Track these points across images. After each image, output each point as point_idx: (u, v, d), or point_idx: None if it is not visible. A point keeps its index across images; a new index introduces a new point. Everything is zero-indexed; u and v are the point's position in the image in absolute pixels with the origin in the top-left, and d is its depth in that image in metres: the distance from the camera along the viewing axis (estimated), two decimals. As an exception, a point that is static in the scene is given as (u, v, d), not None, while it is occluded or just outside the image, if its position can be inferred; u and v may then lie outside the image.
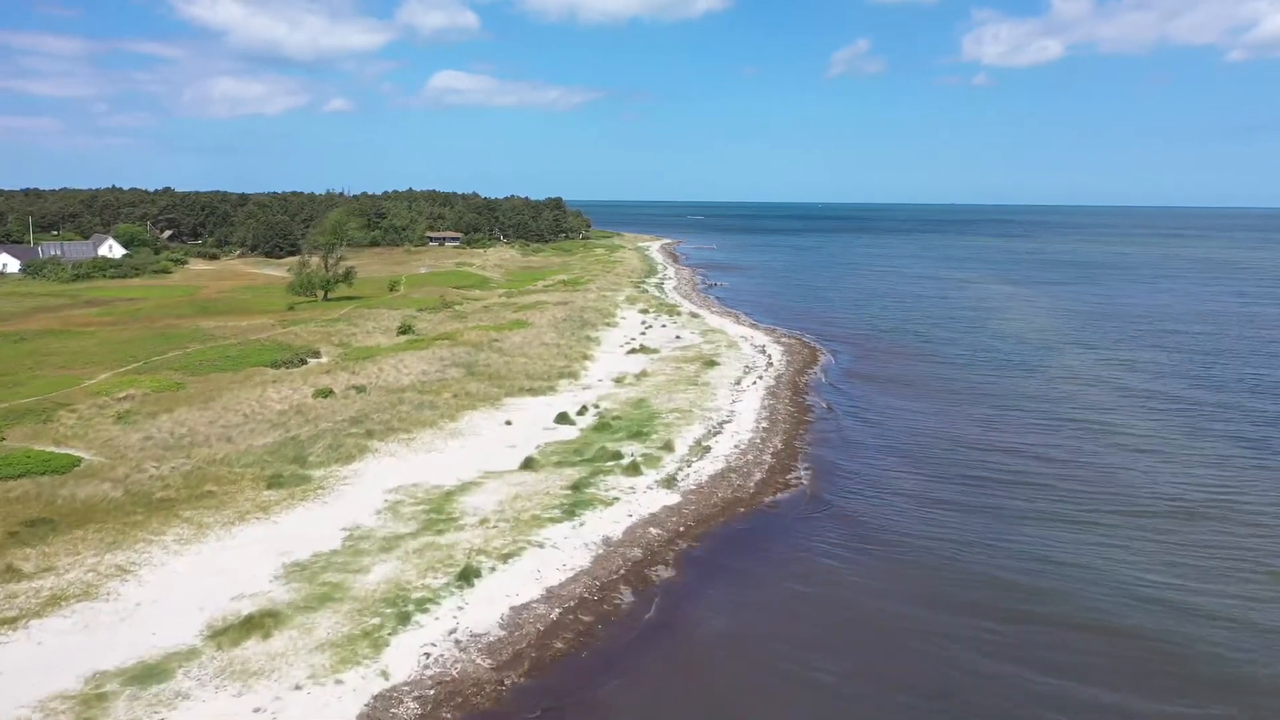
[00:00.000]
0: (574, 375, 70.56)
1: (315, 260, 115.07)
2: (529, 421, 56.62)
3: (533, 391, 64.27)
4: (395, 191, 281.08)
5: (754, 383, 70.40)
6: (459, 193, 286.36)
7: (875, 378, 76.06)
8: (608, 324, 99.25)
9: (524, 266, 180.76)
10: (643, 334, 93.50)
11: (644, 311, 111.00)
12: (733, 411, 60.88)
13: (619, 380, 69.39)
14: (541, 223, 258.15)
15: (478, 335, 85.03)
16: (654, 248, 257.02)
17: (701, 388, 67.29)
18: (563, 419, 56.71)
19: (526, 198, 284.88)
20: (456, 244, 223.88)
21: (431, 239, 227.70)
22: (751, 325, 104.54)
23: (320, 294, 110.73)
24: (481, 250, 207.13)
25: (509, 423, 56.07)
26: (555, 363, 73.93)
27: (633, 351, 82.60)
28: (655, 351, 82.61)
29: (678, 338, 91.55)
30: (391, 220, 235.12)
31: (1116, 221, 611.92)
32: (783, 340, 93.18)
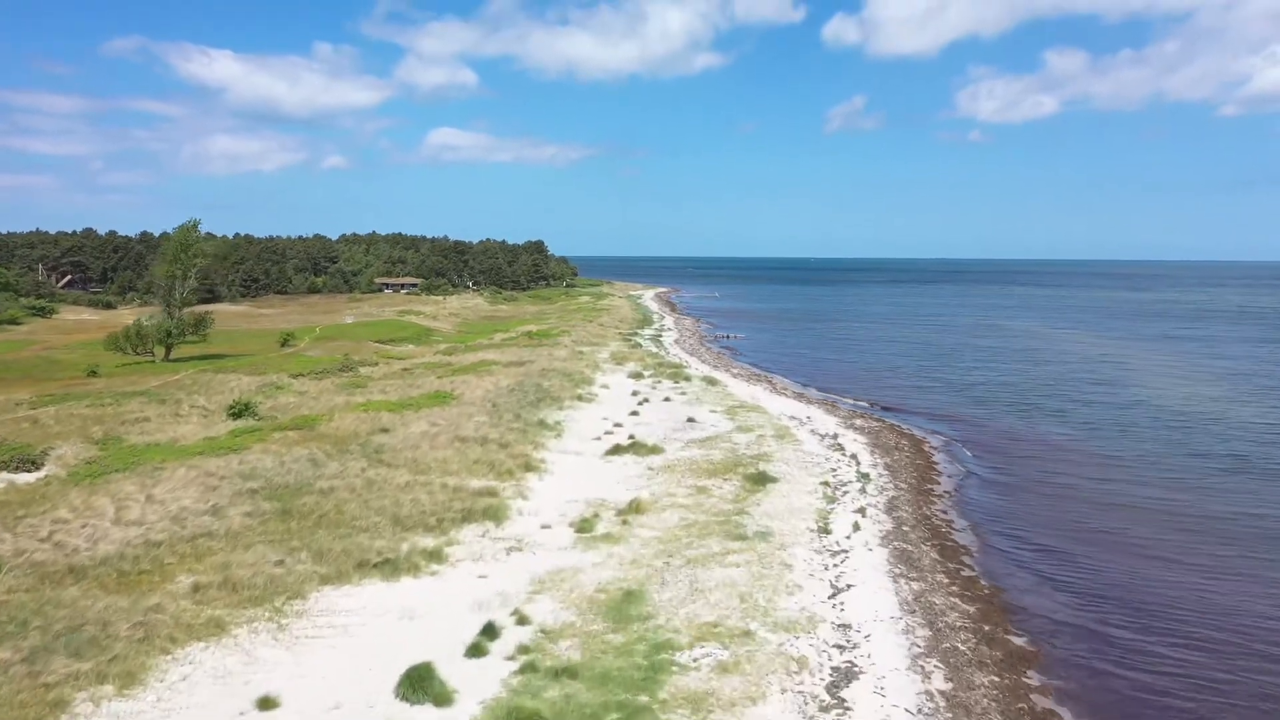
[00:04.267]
0: (496, 515, 35.23)
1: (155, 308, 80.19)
2: (328, 691, 21.21)
3: (390, 569, 28.92)
4: (355, 235, 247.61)
5: (855, 528, 35.45)
6: (427, 236, 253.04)
7: (1070, 513, 41.13)
8: (580, 396, 64.26)
9: (488, 316, 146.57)
10: (634, 414, 58.53)
11: (636, 376, 76.12)
12: (845, 625, 25.90)
13: (584, 528, 34.18)
14: (518, 268, 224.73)
15: (355, 421, 50.14)
16: (647, 296, 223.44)
17: (754, 544, 32.22)
18: (422, 681, 21.37)
19: (503, 241, 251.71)
20: (414, 290, 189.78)
21: (386, 285, 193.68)
22: (798, 396, 69.89)
23: (161, 351, 75.59)
24: (440, 298, 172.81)
25: (268, 702, 20.65)
26: (467, 482, 38.80)
27: (616, 450, 47.52)
28: (656, 451, 47.52)
29: (691, 421, 56.66)
30: (342, 265, 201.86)
31: (1136, 273, 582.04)
32: (856, 423, 58.53)
